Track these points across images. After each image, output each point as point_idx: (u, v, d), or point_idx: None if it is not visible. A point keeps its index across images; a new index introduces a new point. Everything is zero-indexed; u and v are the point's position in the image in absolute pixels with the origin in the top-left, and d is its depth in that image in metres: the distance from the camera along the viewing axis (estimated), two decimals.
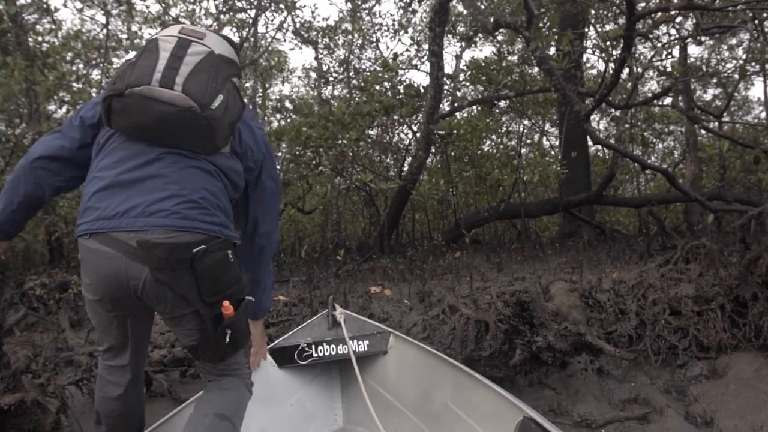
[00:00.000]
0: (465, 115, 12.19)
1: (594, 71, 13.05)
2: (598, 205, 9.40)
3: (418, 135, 8.60)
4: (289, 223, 11.97)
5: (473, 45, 11.08)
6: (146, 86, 1.91)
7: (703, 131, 10.50)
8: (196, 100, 1.92)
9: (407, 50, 18.44)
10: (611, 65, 5.69)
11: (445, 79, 8.69)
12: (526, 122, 12.84)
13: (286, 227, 12.08)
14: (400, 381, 3.09)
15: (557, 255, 6.99)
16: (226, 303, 2.01)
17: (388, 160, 11.09)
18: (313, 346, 3.12)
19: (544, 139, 14.70)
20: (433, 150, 9.69)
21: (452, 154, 9.42)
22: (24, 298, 4.75)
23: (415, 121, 9.32)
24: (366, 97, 9.10)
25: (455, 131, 8.57)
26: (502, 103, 11.52)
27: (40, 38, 9.77)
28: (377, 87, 9.27)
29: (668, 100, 8.82)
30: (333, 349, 3.14)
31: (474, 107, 11.33)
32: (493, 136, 11.11)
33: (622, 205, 9.48)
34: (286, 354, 3.07)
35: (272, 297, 2.75)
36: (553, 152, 12.86)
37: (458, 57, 13.42)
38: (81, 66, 10.92)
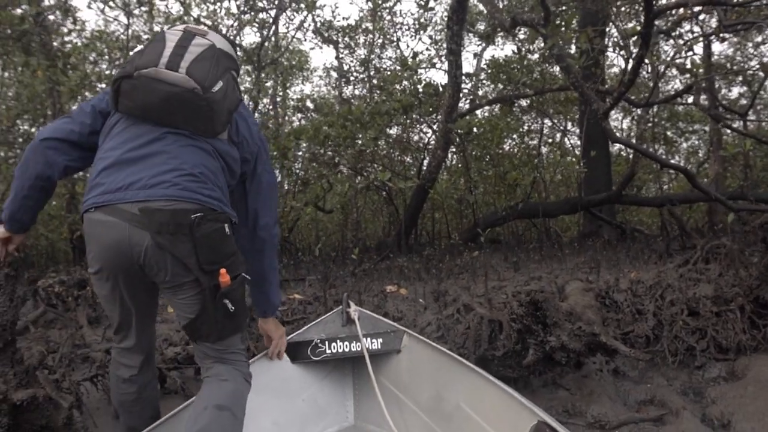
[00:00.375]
0: (486, 114, 12.15)
1: (615, 69, 12.90)
2: (618, 204, 9.28)
3: (437, 134, 8.56)
4: (310, 222, 12.01)
5: (493, 43, 11.02)
6: (153, 68, 2.08)
7: (728, 130, 10.31)
8: (198, 83, 2.09)
9: (427, 49, 18.38)
10: (631, 63, 5.61)
11: (463, 77, 8.64)
12: (547, 122, 12.76)
13: (306, 227, 12.11)
14: (412, 380, 3.07)
15: (576, 255, 6.92)
16: (223, 270, 2.11)
17: (408, 159, 11.06)
18: (327, 342, 3.12)
19: (566, 138, 14.62)
20: (455, 149, 9.66)
21: (473, 153, 9.39)
22: (36, 295, 4.83)
23: (434, 120, 9.29)
24: (385, 96, 9.10)
25: (474, 130, 8.54)
26: (523, 102, 11.48)
27: (62, 39, 9.89)
28: (397, 86, 9.26)
29: (691, 99, 8.70)
30: (346, 346, 3.13)
31: (495, 106, 11.26)
32: (515, 136, 11.06)
33: (643, 204, 9.34)
34: (300, 349, 3.08)
35: (280, 293, 2.76)
36: (576, 151, 12.75)
37: (478, 55, 13.30)
38: (104, 66, 11.07)
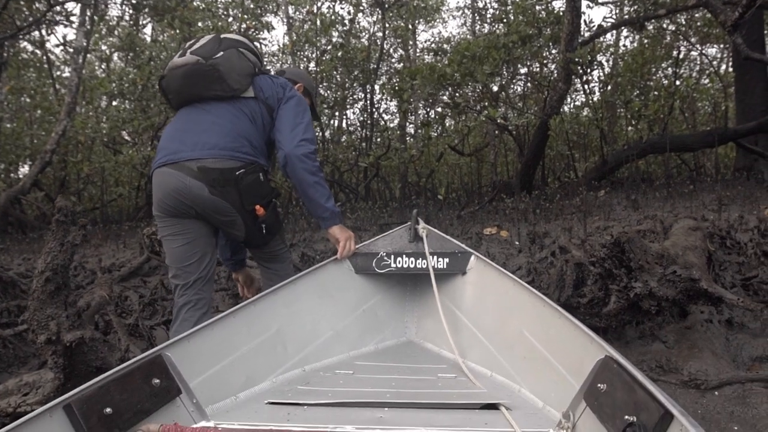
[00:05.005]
0: (634, 44, 11.10)
1: None
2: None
3: (557, 65, 7.88)
4: (446, 167, 11.76)
5: None
6: (171, 61, 2.83)
7: None
8: (199, 56, 2.76)
9: None
10: None
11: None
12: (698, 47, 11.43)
13: (443, 171, 11.90)
14: (475, 303, 2.93)
15: (709, 192, 6.16)
16: (258, 206, 2.78)
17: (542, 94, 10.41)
18: (392, 257, 3.12)
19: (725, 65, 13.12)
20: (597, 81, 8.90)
21: (618, 85, 8.57)
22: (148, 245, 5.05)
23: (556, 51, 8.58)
24: (504, 29, 8.54)
25: (605, 60, 7.76)
26: (673, 28, 10.36)
27: None
28: (520, 17, 8.64)
29: None
30: (411, 262, 3.11)
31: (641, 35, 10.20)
32: (663, 65, 10.02)
33: None
34: (365, 261, 3.11)
35: (331, 202, 2.93)
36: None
37: None
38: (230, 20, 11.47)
